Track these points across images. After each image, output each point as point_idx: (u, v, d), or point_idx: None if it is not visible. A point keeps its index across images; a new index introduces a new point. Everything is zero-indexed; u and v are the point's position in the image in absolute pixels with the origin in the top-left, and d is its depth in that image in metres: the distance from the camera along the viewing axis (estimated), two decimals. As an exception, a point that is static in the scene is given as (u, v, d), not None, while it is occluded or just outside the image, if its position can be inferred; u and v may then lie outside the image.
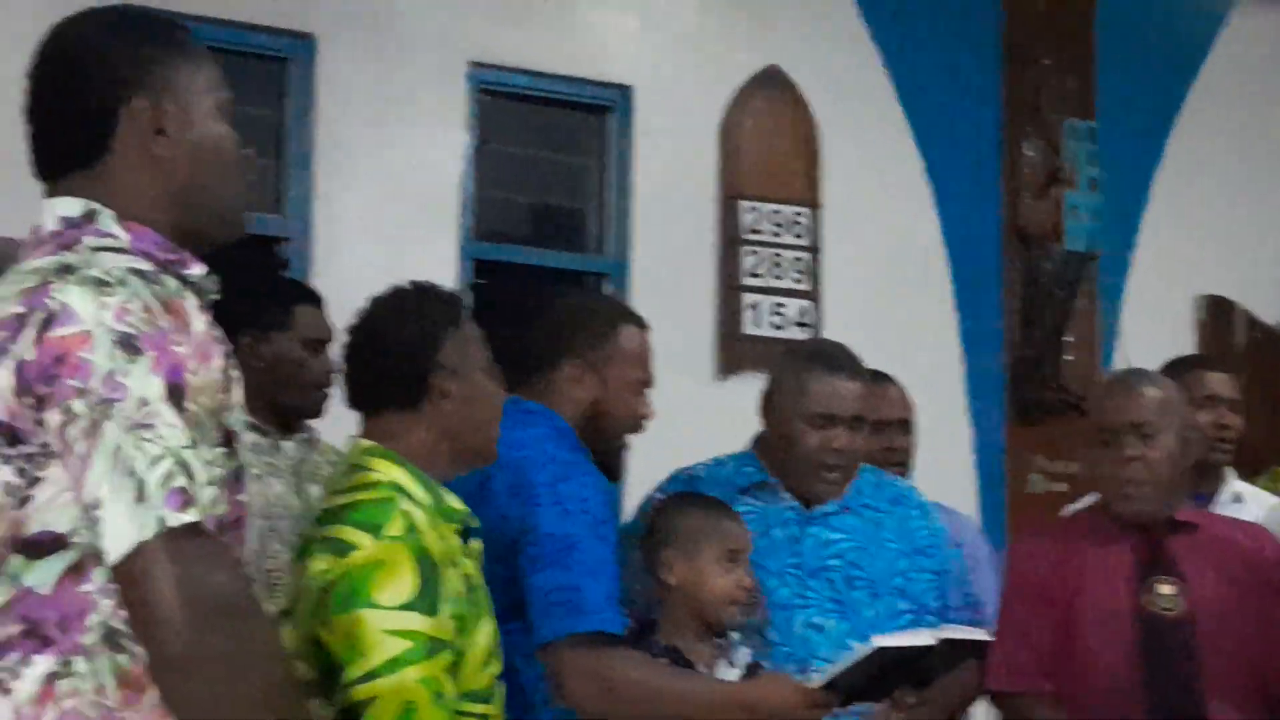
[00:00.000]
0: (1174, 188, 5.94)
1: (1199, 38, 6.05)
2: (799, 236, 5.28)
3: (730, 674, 2.74)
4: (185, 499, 1.56)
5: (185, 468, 1.57)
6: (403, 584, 2.13)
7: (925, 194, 5.55)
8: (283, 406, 3.27)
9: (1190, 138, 5.97)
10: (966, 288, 5.59)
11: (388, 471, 2.26)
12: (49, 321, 1.60)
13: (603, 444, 2.77)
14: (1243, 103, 6.05)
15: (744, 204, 5.21)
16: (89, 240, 1.70)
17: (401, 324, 2.33)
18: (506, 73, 4.99)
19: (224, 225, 1.82)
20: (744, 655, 2.80)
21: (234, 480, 1.70)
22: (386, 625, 2.11)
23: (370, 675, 2.09)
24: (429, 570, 2.16)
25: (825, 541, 2.96)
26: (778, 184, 5.28)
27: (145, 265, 1.68)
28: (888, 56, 5.50)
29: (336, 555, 2.16)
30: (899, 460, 3.57)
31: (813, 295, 5.27)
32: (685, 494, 2.92)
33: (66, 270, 1.64)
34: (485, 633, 2.24)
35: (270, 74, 4.69)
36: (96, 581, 1.60)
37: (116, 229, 1.72)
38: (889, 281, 5.39)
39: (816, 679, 2.58)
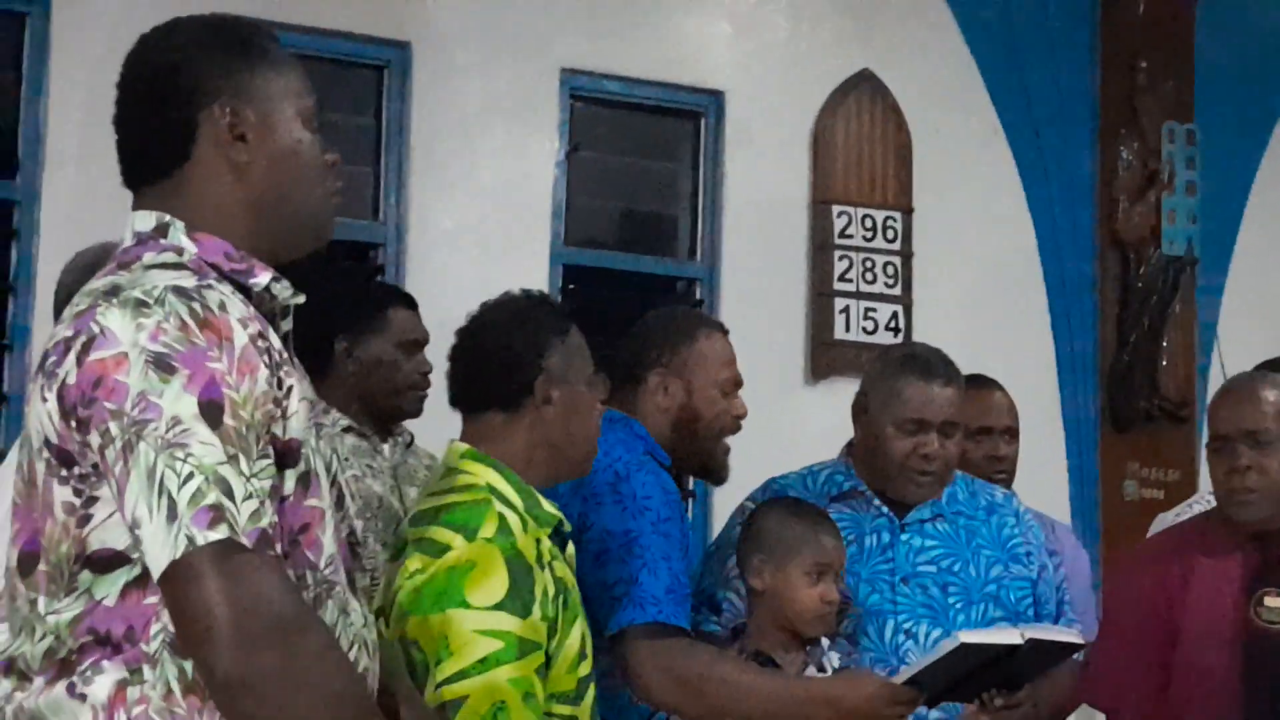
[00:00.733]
0: (1273, 190, 5.84)
1: (1300, 39, 5.96)
2: (891, 241, 5.26)
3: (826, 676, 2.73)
4: (215, 515, 1.57)
5: (221, 483, 1.58)
6: (495, 585, 2.15)
7: (1019, 198, 5.51)
8: (379, 409, 3.30)
9: (1291, 140, 5.88)
10: (1061, 293, 5.54)
11: (483, 474, 2.29)
12: (89, 345, 1.63)
13: (700, 448, 2.80)
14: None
15: (836, 209, 5.20)
16: (147, 258, 1.72)
17: (511, 327, 2.37)
18: (599, 79, 5.02)
19: (306, 232, 1.82)
20: (834, 661, 2.80)
21: (301, 487, 1.70)
22: (478, 625, 2.13)
23: (461, 675, 2.11)
24: (521, 572, 2.18)
25: (918, 548, 2.95)
26: (870, 189, 5.26)
27: (190, 281, 1.68)
28: (981, 60, 5.47)
29: (430, 556, 2.19)
30: (1004, 469, 3.53)
31: (904, 300, 5.24)
32: (786, 500, 2.91)
33: (113, 292, 1.66)
34: (576, 634, 2.26)
35: (366, 82, 4.75)
36: (158, 593, 1.62)
37: (184, 241, 1.73)
38: (982, 286, 5.36)
39: (900, 674, 2.57)
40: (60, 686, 1.64)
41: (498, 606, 2.14)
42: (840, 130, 5.25)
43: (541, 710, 2.16)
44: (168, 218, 1.75)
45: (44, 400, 1.65)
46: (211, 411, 1.60)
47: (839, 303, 5.16)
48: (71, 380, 1.63)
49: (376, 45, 4.71)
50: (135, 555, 1.63)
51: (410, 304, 3.40)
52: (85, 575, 1.65)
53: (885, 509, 2.97)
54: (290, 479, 1.69)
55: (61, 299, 2.66)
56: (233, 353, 1.64)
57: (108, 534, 1.64)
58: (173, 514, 1.57)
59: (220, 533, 1.57)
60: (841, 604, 2.79)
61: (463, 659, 2.12)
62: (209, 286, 1.69)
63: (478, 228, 4.77)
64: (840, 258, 5.18)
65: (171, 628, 1.62)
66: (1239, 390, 3.03)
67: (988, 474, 3.38)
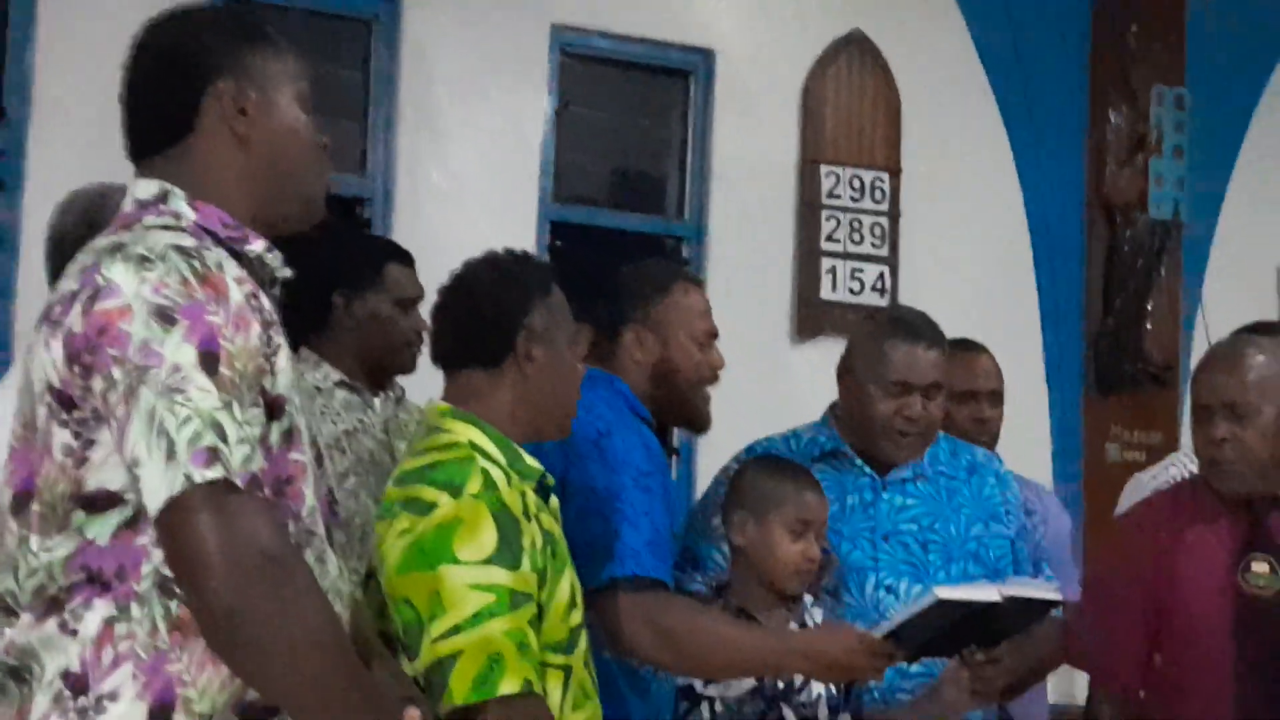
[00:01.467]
0: (1261, 156, 5.85)
1: (1291, 4, 5.96)
2: (879, 202, 5.26)
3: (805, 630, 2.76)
4: (212, 456, 1.66)
5: (216, 427, 1.68)
6: (484, 539, 2.17)
7: (1007, 160, 5.51)
8: (374, 364, 3.32)
9: (1279, 104, 5.88)
10: (1047, 255, 5.55)
11: (464, 432, 2.30)
12: (95, 296, 1.73)
13: (679, 400, 2.81)
14: (1334, 71, 5.95)
15: (824, 169, 5.20)
16: (148, 220, 1.82)
17: (494, 284, 2.38)
18: (589, 36, 5.01)
19: (301, 207, 1.93)
20: (816, 617, 2.82)
21: (285, 441, 1.79)
22: (469, 580, 2.15)
23: (455, 630, 2.13)
24: (509, 525, 2.20)
25: (899, 507, 2.98)
26: (858, 149, 5.27)
27: (189, 241, 1.78)
28: (972, 21, 5.46)
29: (417, 514, 2.20)
30: (988, 432, 3.55)
31: (891, 261, 5.26)
32: (769, 458, 2.94)
33: (117, 249, 1.76)
34: (565, 584, 2.28)
35: (355, 36, 4.73)
36: (150, 534, 1.71)
37: (184, 208, 1.83)
38: (969, 248, 5.37)
39: (878, 628, 2.60)
40: (51, 623, 1.73)
41: (488, 561, 2.16)
42: (830, 90, 5.25)
43: (537, 660, 2.18)
44: (169, 186, 1.85)
45: (48, 348, 1.75)
46: (208, 361, 1.70)
47: (826, 263, 5.17)
48: (77, 329, 1.72)
49: (366, -1, 4.70)
50: (129, 497, 1.71)
51: (407, 260, 3.41)
52: (79, 515, 1.73)
53: (867, 468, 2.99)
54: (276, 431, 1.78)
55: (56, 241, 2.69)
56: (229, 308, 1.74)
57: (104, 475, 1.72)
58: (172, 454, 1.66)
59: (216, 472, 1.66)
60: (823, 561, 2.82)
61: (456, 614, 2.13)
62: (207, 248, 1.79)
63: (466, 183, 4.77)
64: (828, 218, 5.19)
65: (161, 569, 1.71)
66: (1221, 359, 3.00)
67: (972, 437, 3.40)
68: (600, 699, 2.55)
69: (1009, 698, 3.34)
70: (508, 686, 2.12)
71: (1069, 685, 4.66)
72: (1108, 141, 5.61)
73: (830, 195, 5.20)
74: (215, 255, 1.78)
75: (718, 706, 2.73)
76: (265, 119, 1.88)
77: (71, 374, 1.72)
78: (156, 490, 1.66)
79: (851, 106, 5.26)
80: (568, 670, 2.26)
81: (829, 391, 3.11)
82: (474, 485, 2.22)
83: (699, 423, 2.90)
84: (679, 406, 2.82)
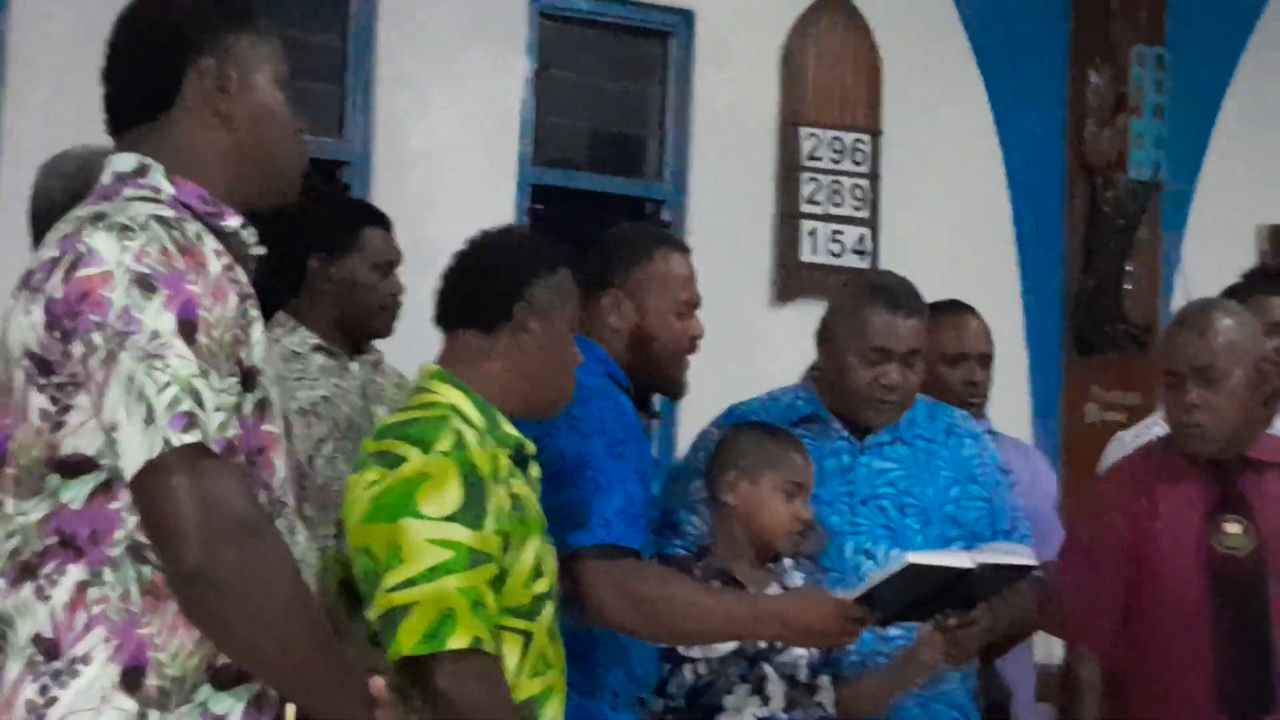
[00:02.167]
0: (1241, 116, 5.86)
1: (1271, -36, 5.95)
2: (859, 164, 5.26)
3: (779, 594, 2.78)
4: (190, 421, 1.69)
5: (193, 394, 1.70)
6: (448, 496, 2.18)
7: (988, 121, 5.51)
8: (352, 328, 3.31)
9: (1259, 66, 5.88)
10: (1028, 216, 5.56)
11: (448, 394, 2.32)
12: (76, 263, 1.75)
13: (655, 368, 2.80)
14: (1314, 31, 5.95)
15: (804, 130, 5.19)
16: (127, 192, 1.84)
17: (501, 250, 2.42)
18: (568, -3, 4.99)
19: (277, 185, 1.95)
20: (796, 580, 2.84)
21: (258, 411, 1.81)
22: (429, 535, 2.16)
23: (409, 582, 2.14)
24: (475, 485, 2.21)
25: (877, 470, 2.99)
26: (839, 110, 5.26)
27: (170, 212, 1.80)
28: (952, -18, 5.45)
29: (386, 468, 2.22)
30: (979, 394, 3.55)
31: (871, 223, 5.26)
32: (757, 422, 2.95)
33: (98, 218, 1.78)
34: (531, 551, 2.28)
35: (333, -1, 4.71)
36: (123, 499, 1.74)
37: (163, 182, 1.85)
38: (949, 210, 5.37)
39: (851, 593, 2.61)
40: (27, 588, 1.75)
41: (450, 518, 2.17)
42: (810, 52, 5.23)
43: (492, 621, 2.18)
44: (148, 160, 1.87)
45: (27, 313, 1.77)
46: (187, 329, 1.73)
47: (806, 225, 5.17)
48: (58, 295, 1.75)
49: (343, -40, 4.67)
50: (104, 462, 1.74)
51: (385, 224, 3.40)
52: (54, 479, 1.75)
53: (845, 432, 3.00)
54: (249, 402, 1.80)
55: (42, 204, 2.71)
56: (207, 279, 1.77)
57: (79, 440, 1.75)
58: (150, 418, 1.69)
59: (193, 437, 1.70)
60: (806, 528, 2.83)
61: (412, 566, 2.15)
62: (186, 220, 1.82)
63: (446, 146, 4.75)
64: (808, 180, 5.19)
65: (135, 534, 1.74)
66: (1190, 324, 3.02)
67: (963, 399, 3.41)
68: (579, 668, 2.57)
69: (990, 659, 3.38)
70: (456, 642, 2.13)
71: (1054, 645, 4.68)
72: (1088, 102, 5.61)
73: (810, 157, 5.19)
74: (195, 227, 1.81)
75: (700, 668, 2.75)
76: (245, 99, 1.90)
77: (51, 339, 1.74)
78: (134, 453, 1.69)
79: (832, 68, 5.25)
80: (528, 636, 2.27)
81: (808, 354, 3.12)
82: (444, 443, 2.23)
83: (674, 390, 2.90)
84: (655, 374, 2.81)
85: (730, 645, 2.73)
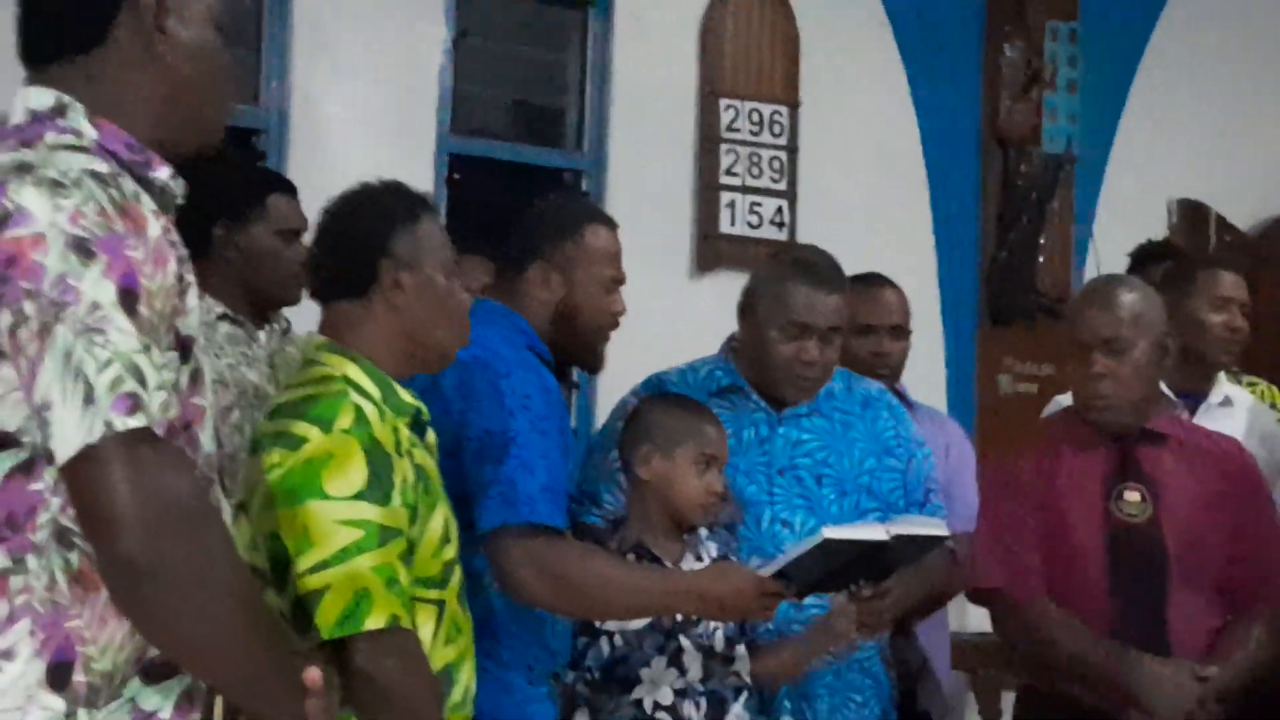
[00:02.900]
0: (1153, 91, 5.94)
1: (1182, -60, 6.02)
2: (777, 135, 5.28)
3: (696, 569, 2.79)
4: (133, 403, 1.57)
5: (136, 372, 1.58)
6: (353, 475, 2.15)
7: (904, 94, 5.55)
8: (257, 296, 3.29)
9: (1170, 41, 5.96)
10: (943, 189, 5.61)
11: (339, 366, 2.28)
12: (3, 222, 1.60)
13: (578, 343, 2.80)
14: (1223, 8, 6.03)
15: (723, 102, 5.20)
16: (50, 137, 1.68)
17: (355, 213, 2.36)
18: (486, -35, 4.95)
19: (206, 129, 1.83)
20: (712, 551, 2.86)
21: (190, 383, 1.70)
22: (338, 515, 2.13)
23: (322, 565, 2.12)
24: (380, 460, 2.18)
25: (794, 441, 3.01)
26: (757, 82, 5.27)
27: (104, 166, 1.66)
28: (870, -45, 5.47)
29: (288, 449, 2.18)
30: (887, 365, 3.58)
31: (790, 195, 5.28)
32: (671, 394, 2.95)
33: (24, 169, 1.63)
34: (438, 519, 2.27)
35: (248, -37, 4.65)
36: (46, 480, 1.61)
37: (85, 125, 1.71)
38: (866, 182, 5.40)
39: (767, 568, 2.63)
40: None
41: (357, 496, 2.14)
42: (729, 23, 5.24)
43: (407, 596, 2.17)
44: (67, 99, 1.72)
45: None
46: (128, 299, 1.59)
47: (725, 196, 5.19)
48: None
49: (258, -75, 4.60)
50: (25, 439, 1.61)
51: (290, 190, 3.37)
52: None
53: (763, 403, 3.02)
54: (184, 374, 1.68)
55: None
56: (147, 243, 1.63)
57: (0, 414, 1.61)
58: (89, 398, 1.56)
59: (138, 421, 1.57)
60: (720, 500, 2.85)
61: (323, 549, 2.12)
62: (121, 175, 1.67)
63: (363, 115, 4.71)
64: (727, 151, 5.20)
65: (59, 518, 1.61)
66: (1097, 296, 3.09)
67: (870, 369, 3.43)
68: (495, 640, 2.57)
69: (905, 627, 3.42)
70: (374, 622, 2.11)
71: (963, 615, 4.75)
72: (1002, 76, 5.66)
73: (729, 129, 5.20)
74: (131, 184, 1.66)
75: (617, 641, 2.76)
76: (181, 37, 1.77)
77: None
78: (69, 436, 1.56)
79: (750, 39, 5.26)
80: (441, 605, 2.27)
81: (728, 325, 3.13)
82: (345, 420, 2.19)
83: (592, 365, 2.89)
84: (576, 348, 2.80)
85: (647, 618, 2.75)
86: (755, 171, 5.23)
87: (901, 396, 3.47)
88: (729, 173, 5.20)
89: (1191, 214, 6.05)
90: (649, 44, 5.14)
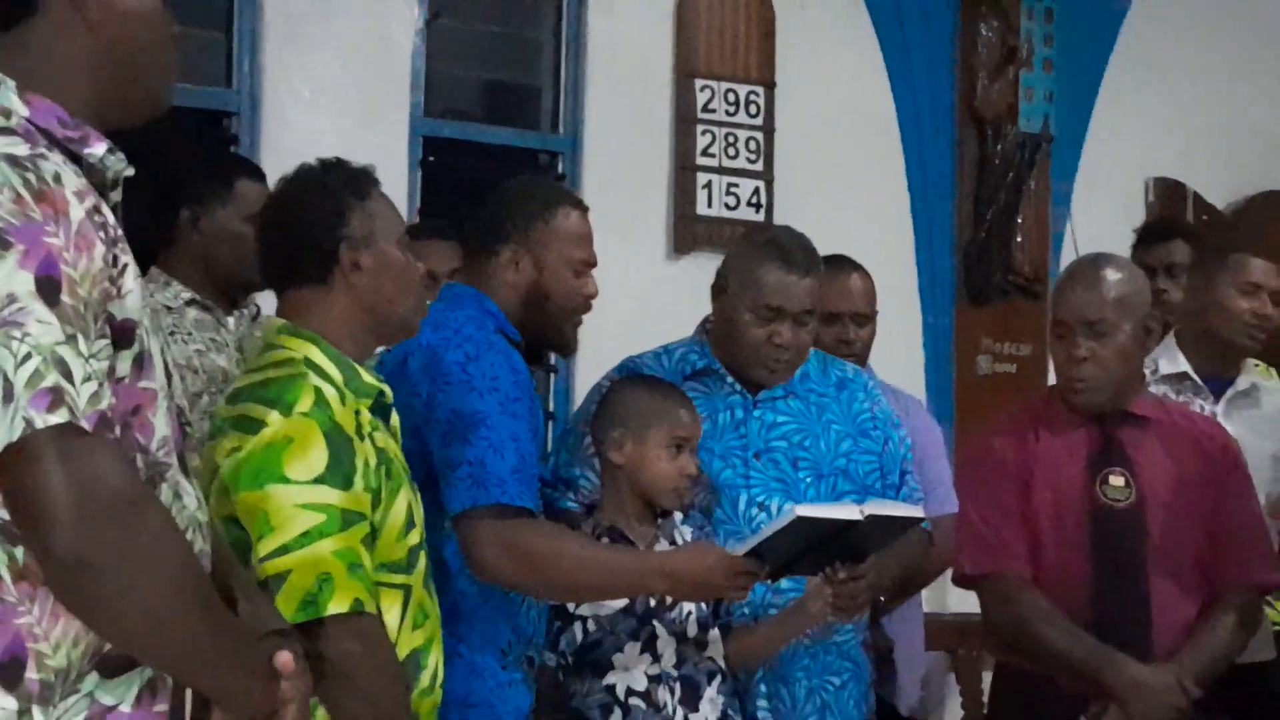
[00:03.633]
0: (1129, 70, 5.93)
1: (1158, -82, 6.01)
2: (753, 116, 5.25)
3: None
4: (54, 398, 1.52)
5: (59, 364, 1.52)
6: (313, 458, 2.13)
7: (880, 74, 5.53)
8: (225, 281, 3.27)
9: (1146, 19, 5.95)
10: (919, 169, 5.59)
11: (300, 349, 2.26)
12: None
13: (548, 325, 2.79)
14: (1199, -14, 6.03)
15: (699, 83, 5.18)
16: None
17: (305, 198, 2.32)
18: (459, -55, 4.92)
19: (148, 99, 1.77)
20: (686, 535, 2.84)
21: (135, 368, 1.65)
22: (298, 500, 2.11)
23: (283, 550, 2.10)
24: (340, 444, 2.16)
25: (770, 424, 3.00)
26: (733, 63, 5.24)
27: (23, 149, 1.59)
28: (845, -67, 5.45)
29: (246, 433, 2.17)
30: (852, 352, 3.55)
31: (766, 175, 5.26)
32: (642, 376, 2.94)
33: None
34: (402, 503, 2.25)
35: (218, -56, 4.60)
36: None
37: (15, 102, 1.64)
38: (842, 162, 5.38)
39: (740, 547, 2.61)
40: None
41: (318, 480, 2.13)
42: (704, 3, 5.21)
43: (370, 580, 2.15)
44: None
45: None
46: (48, 289, 1.53)
47: (701, 177, 5.16)
48: None
49: (228, -94, 4.56)
50: None
51: (258, 176, 3.35)
52: None
53: (738, 386, 3.01)
54: (125, 360, 1.63)
55: None
56: (69, 227, 1.57)
57: None
58: (9, 396, 1.51)
59: (60, 416, 1.52)
60: (693, 483, 2.83)
61: (284, 534, 2.10)
62: (42, 156, 1.60)
63: (336, 97, 4.68)
64: (703, 132, 5.17)
65: (1, 513, 1.57)
66: (1081, 277, 3.07)
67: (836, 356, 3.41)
68: (467, 624, 2.56)
69: (881, 611, 3.41)
70: (336, 606, 2.09)
71: (942, 596, 4.75)
72: (978, 55, 5.64)
73: (705, 109, 5.18)
74: (52, 165, 1.59)
75: (590, 625, 2.75)
76: (116, 2, 1.70)
77: None
78: None
79: (725, 20, 5.23)
80: (407, 590, 2.25)
81: (704, 307, 3.11)
82: (305, 403, 2.17)
83: (564, 348, 2.89)
84: (547, 331, 2.79)
85: (620, 602, 2.73)
86: (731, 152, 5.21)
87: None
88: (705, 154, 5.17)
89: (1169, 192, 6.04)
90: (624, 24, 5.11)
